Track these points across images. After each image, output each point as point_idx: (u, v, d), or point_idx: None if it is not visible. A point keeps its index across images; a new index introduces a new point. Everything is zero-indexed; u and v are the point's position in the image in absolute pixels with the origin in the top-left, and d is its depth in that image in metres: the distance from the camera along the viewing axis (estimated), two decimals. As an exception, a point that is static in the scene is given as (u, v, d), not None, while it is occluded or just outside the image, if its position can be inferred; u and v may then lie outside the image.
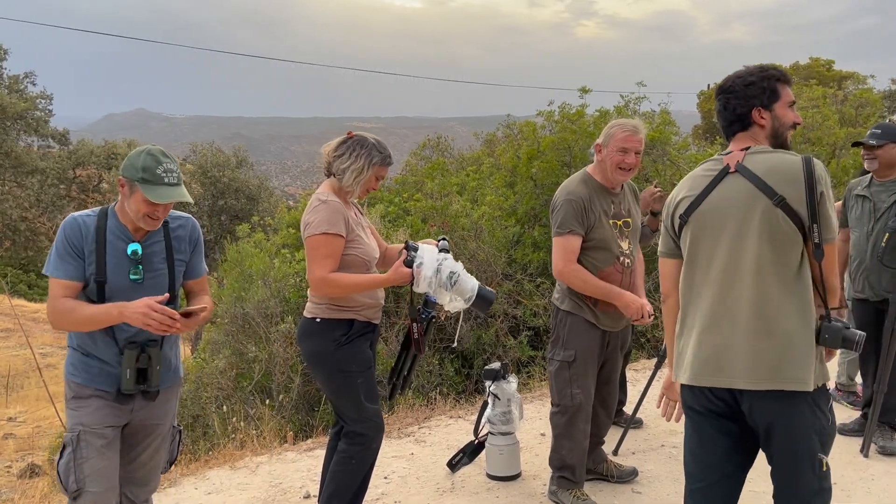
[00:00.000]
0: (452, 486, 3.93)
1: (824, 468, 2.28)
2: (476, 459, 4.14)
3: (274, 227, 9.38)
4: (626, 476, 3.85)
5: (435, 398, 5.62)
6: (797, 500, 2.31)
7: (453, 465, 4.10)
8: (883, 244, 4.04)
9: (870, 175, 4.28)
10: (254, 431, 5.20)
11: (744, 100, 2.36)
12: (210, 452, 5.18)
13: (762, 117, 2.35)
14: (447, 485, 3.95)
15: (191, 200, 2.57)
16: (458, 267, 3.00)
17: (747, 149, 2.33)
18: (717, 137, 11.10)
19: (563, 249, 3.37)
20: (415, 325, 3.03)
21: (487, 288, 3.06)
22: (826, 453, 2.29)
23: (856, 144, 4.30)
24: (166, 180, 2.44)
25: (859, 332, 2.27)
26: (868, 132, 4.26)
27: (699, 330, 2.33)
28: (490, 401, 4.03)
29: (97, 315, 2.44)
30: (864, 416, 4.32)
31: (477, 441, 4.14)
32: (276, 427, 5.36)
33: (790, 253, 2.23)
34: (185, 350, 12.75)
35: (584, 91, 8.50)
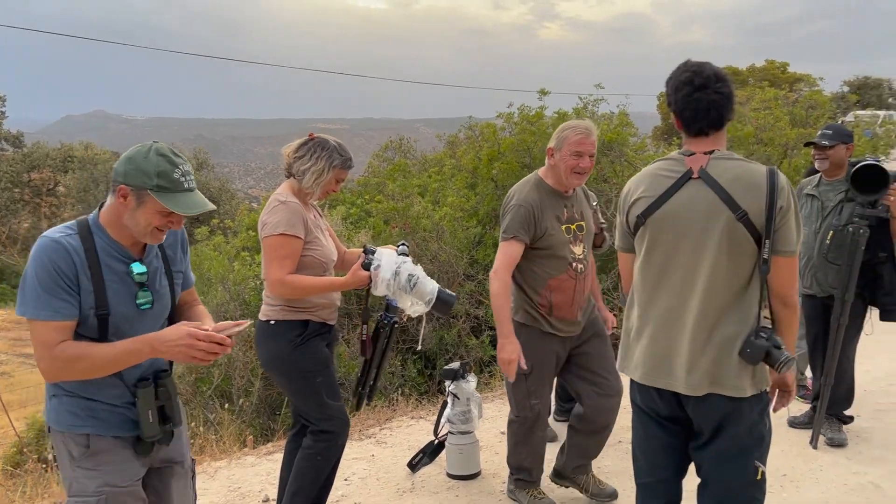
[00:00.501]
0: (412, 487, 3.94)
1: (759, 476, 2.29)
2: (436, 459, 4.16)
3: (234, 229, 9.30)
4: (605, 497, 3.63)
5: (397, 399, 5.63)
6: None
7: (414, 465, 4.11)
8: (828, 241, 4.16)
9: (819, 175, 4.40)
10: (213, 436, 5.15)
11: (727, 100, 2.28)
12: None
13: (727, 123, 2.33)
14: (407, 485, 3.96)
15: (214, 207, 2.17)
16: (418, 270, 3.00)
17: (711, 153, 2.27)
18: (675, 139, 11.28)
19: (504, 254, 3.27)
20: (364, 326, 3.01)
21: (448, 291, 3.06)
22: (763, 462, 2.30)
23: (808, 145, 4.39)
24: (185, 185, 2.01)
25: (787, 354, 2.20)
26: (819, 133, 4.35)
27: (652, 332, 2.34)
28: (450, 400, 4.05)
29: (118, 357, 1.97)
30: (814, 408, 4.44)
31: (437, 441, 4.16)
32: (235, 431, 5.32)
33: (745, 265, 2.22)
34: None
35: (543, 93, 8.59)
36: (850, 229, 4.02)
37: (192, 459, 2.38)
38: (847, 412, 4.41)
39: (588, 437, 3.50)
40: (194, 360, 1.97)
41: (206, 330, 1.97)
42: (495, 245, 7.80)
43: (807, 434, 4.35)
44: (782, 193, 2.17)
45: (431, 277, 3.05)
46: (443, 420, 4.11)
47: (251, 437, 5.13)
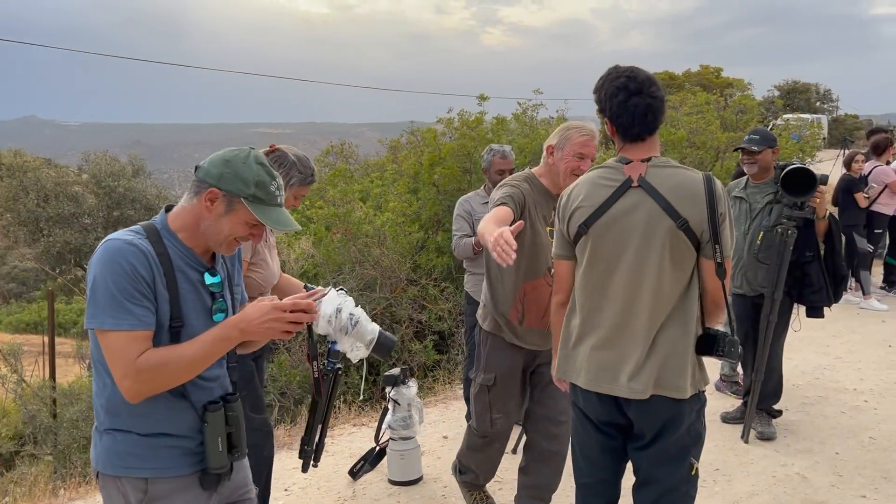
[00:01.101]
0: (354, 494, 3.92)
1: (693, 472, 2.35)
2: (378, 466, 4.14)
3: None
4: None
5: (339, 407, 5.59)
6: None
7: (355, 472, 4.09)
8: (758, 242, 4.30)
9: (746, 177, 4.55)
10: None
11: (661, 104, 2.31)
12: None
13: (660, 127, 2.37)
14: (348, 493, 3.94)
15: (300, 228, 2.10)
16: (359, 311, 2.85)
17: (648, 160, 2.30)
18: (612, 142, 11.49)
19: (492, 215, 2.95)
20: (314, 362, 2.76)
21: (388, 333, 2.94)
22: (697, 458, 2.36)
23: (738, 149, 4.51)
24: (278, 200, 1.89)
25: (730, 337, 2.32)
26: (746, 138, 4.49)
27: (596, 339, 2.35)
28: (390, 406, 4.04)
29: (209, 349, 1.80)
30: (745, 404, 4.58)
31: (378, 447, 4.15)
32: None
33: (686, 270, 2.27)
34: (78, 368, 12.15)
35: (483, 98, 8.66)
36: (779, 230, 4.17)
37: (256, 487, 2.18)
38: (776, 406, 4.56)
39: (539, 468, 3.30)
40: (284, 334, 1.83)
41: (283, 300, 1.83)
42: (438, 250, 7.87)
43: (738, 429, 4.49)
44: (721, 200, 2.23)
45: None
46: (384, 426, 4.10)
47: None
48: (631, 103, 2.26)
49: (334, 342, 2.62)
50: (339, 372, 2.54)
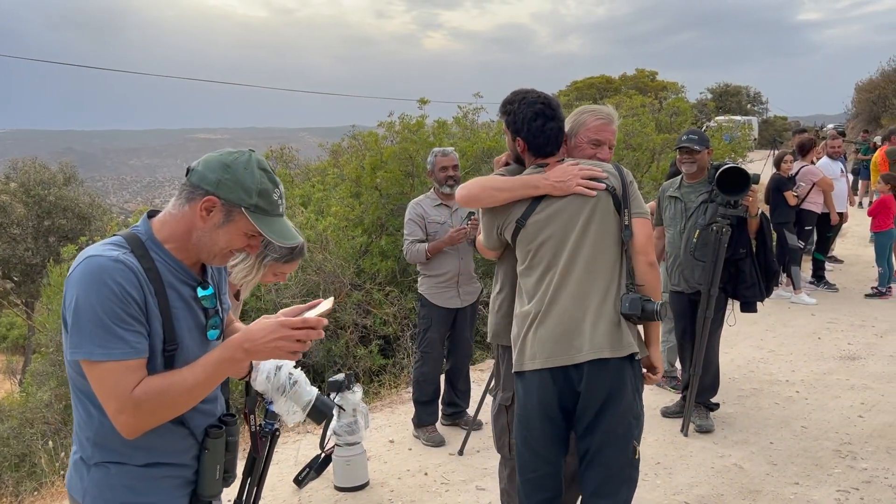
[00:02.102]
0: (299, 503, 3.87)
1: (637, 455, 2.48)
2: (324, 473, 4.09)
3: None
4: None
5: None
6: (609, 490, 2.45)
7: (300, 480, 4.02)
8: (694, 240, 4.42)
9: (680, 177, 4.67)
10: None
11: (564, 125, 2.68)
12: (36, 493, 4.79)
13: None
14: (294, 501, 3.89)
15: (304, 241, 1.85)
16: (299, 373, 2.72)
17: (562, 160, 2.61)
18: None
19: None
20: (251, 417, 2.58)
21: (326, 399, 2.84)
22: (638, 441, 2.49)
23: (681, 149, 4.55)
24: (280, 209, 1.71)
25: (659, 302, 2.48)
26: (685, 138, 4.57)
27: (549, 318, 2.48)
28: (335, 412, 4.00)
29: (210, 374, 1.61)
30: (684, 398, 4.70)
31: (323, 454, 4.09)
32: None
33: (615, 236, 2.51)
34: (8, 384, 11.67)
35: (423, 102, 8.68)
36: (714, 228, 4.28)
37: None
38: (713, 399, 4.69)
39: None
40: (291, 355, 1.64)
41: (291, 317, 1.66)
42: (382, 254, 7.83)
43: (678, 423, 4.59)
44: (627, 173, 2.60)
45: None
46: (329, 433, 4.05)
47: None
48: (547, 127, 2.58)
49: (270, 402, 2.43)
50: (277, 434, 2.38)
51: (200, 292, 1.72)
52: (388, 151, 8.06)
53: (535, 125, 2.56)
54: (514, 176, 2.63)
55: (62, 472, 4.85)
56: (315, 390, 2.73)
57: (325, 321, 1.69)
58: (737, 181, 4.20)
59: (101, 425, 1.61)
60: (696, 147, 4.45)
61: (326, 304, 1.77)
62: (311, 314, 1.70)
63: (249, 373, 2.11)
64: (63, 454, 5.10)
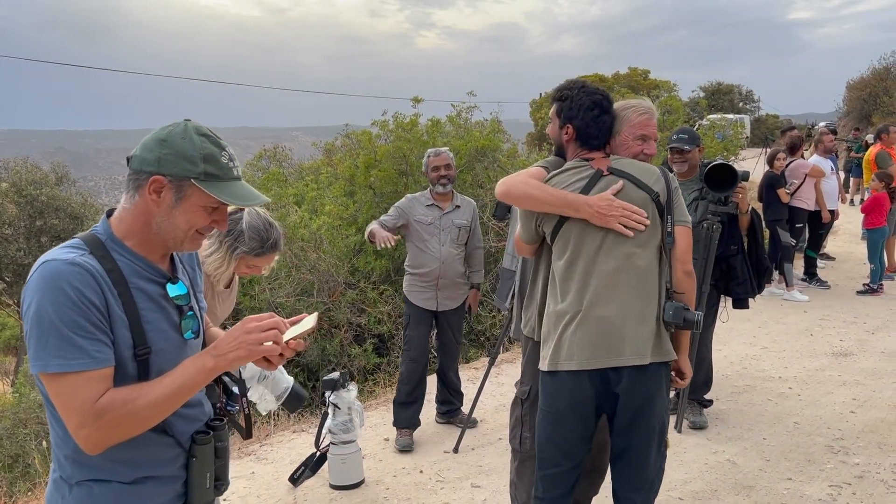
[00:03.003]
0: (295, 501, 3.87)
1: (665, 448, 2.58)
2: (319, 471, 4.10)
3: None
4: None
5: (277, 413, 5.51)
6: (645, 483, 2.55)
7: (295, 479, 4.03)
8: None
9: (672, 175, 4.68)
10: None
11: (613, 124, 2.67)
12: (30, 493, 4.78)
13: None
14: (289, 500, 3.89)
15: (269, 200, 1.72)
16: None
17: (608, 156, 2.62)
18: (546, 144, 11.68)
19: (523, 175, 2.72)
20: (244, 399, 2.46)
21: (301, 388, 2.83)
22: (678, 427, 2.57)
23: (673, 149, 4.55)
24: (235, 172, 1.58)
25: (696, 312, 2.53)
26: (675, 137, 4.58)
27: (590, 318, 2.47)
28: (330, 411, 4.01)
29: (184, 384, 1.49)
30: (677, 394, 4.72)
31: (319, 453, 4.10)
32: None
33: (658, 240, 2.53)
34: (1, 385, 11.63)
35: (417, 101, 8.69)
36: (705, 225, 4.30)
37: None
38: (707, 396, 4.72)
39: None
40: (264, 363, 1.55)
41: (263, 319, 1.55)
42: (376, 253, 7.83)
43: (672, 419, 4.61)
44: (672, 178, 2.60)
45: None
46: (324, 431, 4.06)
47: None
48: (601, 119, 2.59)
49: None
50: (233, 414, 2.08)
51: (171, 289, 1.61)
52: (382, 150, 8.07)
53: (591, 114, 2.57)
54: (557, 176, 2.58)
55: (39, 481, 4.85)
56: (292, 379, 2.73)
57: (303, 343, 1.61)
58: (724, 178, 4.22)
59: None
60: (686, 147, 4.47)
61: (310, 322, 1.65)
62: (293, 331, 1.60)
63: None
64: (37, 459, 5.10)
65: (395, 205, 4.67)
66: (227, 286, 2.80)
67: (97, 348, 1.44)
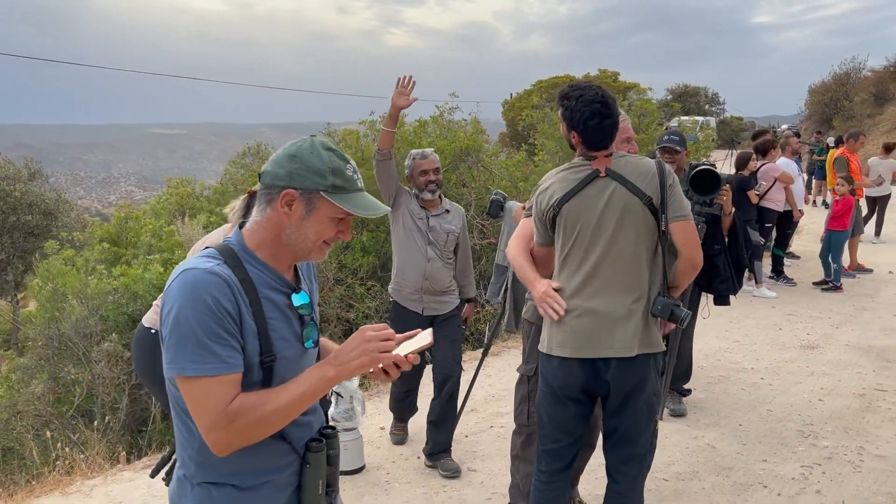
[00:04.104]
0: (301, 485, 4.04)
1: (656, 426, 2.77)
2: (322, 457, 4.27)
3: (83, 242, 8.83)
4: None
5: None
6: (636, 458, 2.73)
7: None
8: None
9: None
10: (81, 456, 4.96)
11: (617, 122, 2.75)
12: (32, 483, 4.87)
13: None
14: (296, 484, 4.06)
15: (390, 209, 1.82)
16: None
17: (610, 154, 2.71)
18: (523, 144, 11.92)
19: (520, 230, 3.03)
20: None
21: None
22: (660, 415, 2.73)
23: (663, 149, 4.71)
24: (358, 184, 1.66)
25: (685, 310, 2.67)
26: (666, 137, 4.79)
27: (580, 310, 2.65)
28: (333, 399, 4.19)
29: (304, 391, 1.56)
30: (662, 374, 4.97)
31: (322, 440, 4.27)
32: (104, 449, 5.15)
33: (651, 239, 2.65)
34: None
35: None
36: (691, 226, 4.54)
37: None
38: (686, 386, 5.00)
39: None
40: (380, 374, 1.60)
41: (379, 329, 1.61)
42: (363, 249, 8.00)
43: (654, 407, 4.88)
44: (669, 174, 2.67)
45: None
46: (328, 418, 4.24)
47: (124, 453, 4.99)
48: (602, 126, 2.65)
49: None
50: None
51: (295, 299, 1.68)
52: (370, 149, 8.23)
53: (591, 124, 2.64)
54: (557, 175, 2.75)
55: (57, 463, 4.95)
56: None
57: (418, 358, 1.64)
58: (708, 182, 4.46)
59: (202, 444, 1.57)
60: (678, 148, 4.69)
61: (426, 337, 1.68)
62: (409, 345, 1.65)
63: None
64: (59, 444, 5.19)
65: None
66: None
67: (230, 354, 1.52)
